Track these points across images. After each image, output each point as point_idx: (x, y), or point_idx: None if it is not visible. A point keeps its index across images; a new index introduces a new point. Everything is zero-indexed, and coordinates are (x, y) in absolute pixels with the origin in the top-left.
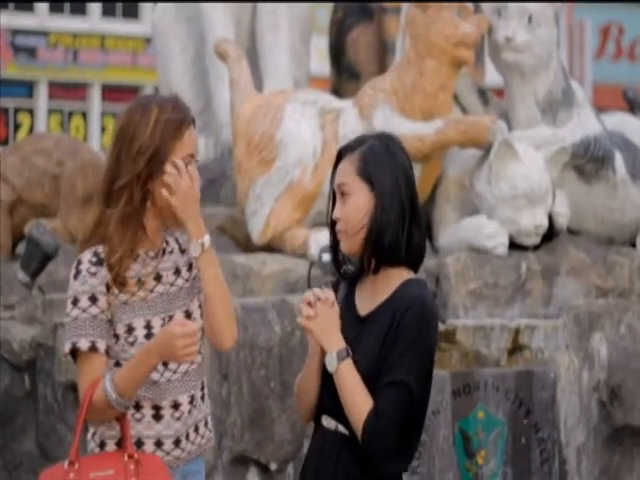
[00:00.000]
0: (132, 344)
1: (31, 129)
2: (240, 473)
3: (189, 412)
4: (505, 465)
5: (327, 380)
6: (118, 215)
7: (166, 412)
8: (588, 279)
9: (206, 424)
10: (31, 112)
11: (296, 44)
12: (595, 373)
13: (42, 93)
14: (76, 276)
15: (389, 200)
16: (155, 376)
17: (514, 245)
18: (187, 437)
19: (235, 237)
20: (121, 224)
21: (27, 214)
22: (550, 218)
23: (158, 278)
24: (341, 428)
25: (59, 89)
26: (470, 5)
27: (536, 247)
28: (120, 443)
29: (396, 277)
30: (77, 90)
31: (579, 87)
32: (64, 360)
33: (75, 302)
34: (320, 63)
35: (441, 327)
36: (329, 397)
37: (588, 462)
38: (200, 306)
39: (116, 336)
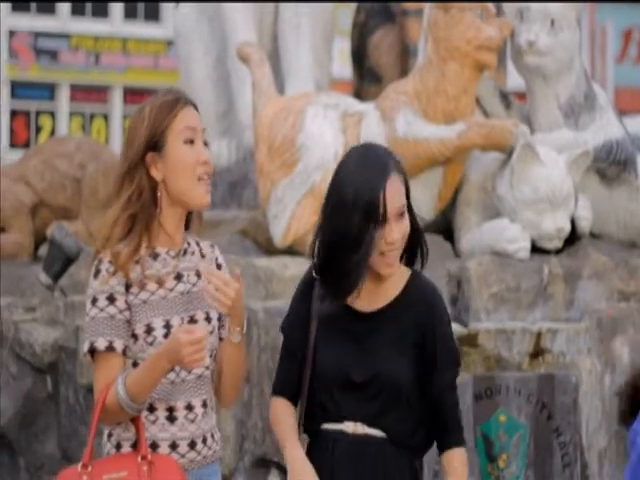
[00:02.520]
0: (151, 344)
1: (52, 132)
2: (261, 476)
3: (203, 415)
4: (527, 469)
5: (345, 386)
6: (129, 213)
7: (180, 414)
8: (610, 283)
9: (214, 434)
10: (52, 115)
11: (318, 47)
12: (617, 377)
13: (64, 96)
14: (96, 275)
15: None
16: (171, 376)
17: (536, 249)
18: (204, 441)
19: (257, 240)
20: (130, 222)
21: (49, 217)
22: (572, 222)
23: (179, 277)
24: (374, 432)
25: (81, 92)
26: (492, 6)
27: (558, 251)
28: (136, 445)
29: (399, 272)
30: (99, 93)
31: (601, 90)
32: (86, 362)
33: (94, 301)
34: (342, 66)
35: (463, 330)
36: (351, 403)
37: (610, 466)
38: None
39: (135, 336)
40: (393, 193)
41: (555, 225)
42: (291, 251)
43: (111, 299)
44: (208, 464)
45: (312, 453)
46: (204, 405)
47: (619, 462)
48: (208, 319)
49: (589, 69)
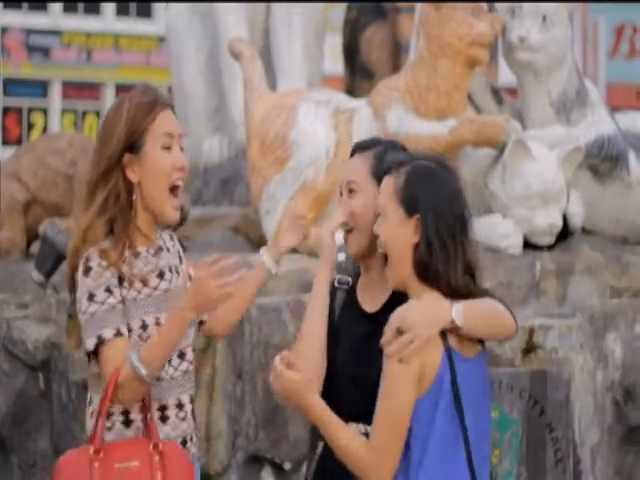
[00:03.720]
0: (145, 340)
1: (45, 129)
2: (254, 472)
3: (191, 412)
4: (519, 465)
5: (346, 386)
6: (107, 216)
7: (171, 412)
8: (602, 279)
9: (196, 432)
10: (45, 112)
11: (310, 43)
12: (609, 373)
13: (56, 93)
14: (87, 273)
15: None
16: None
17: (528, 244)
18: (191, 439)
19: (249, 237)
20: (108, 225)
21: (41, 214)
22: (564, 218)
23: (161, 275)
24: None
25: (73, 89)
26: (484, 5)
27: (550, 247)
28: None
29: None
30: (91, 90)
31: (593, 86)
32: (78, 359)
33: (91, 297)
34: (334, 62)
35: None
36: (355, 405)
37: (602, 462)
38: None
39: (129, 330)
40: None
41: (547, 221)
42: None
43: (109, 291)
44: (194, 462)
45: (326, 457)
46: (191, 401)
47: (611, 457)
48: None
49: (581, 65)
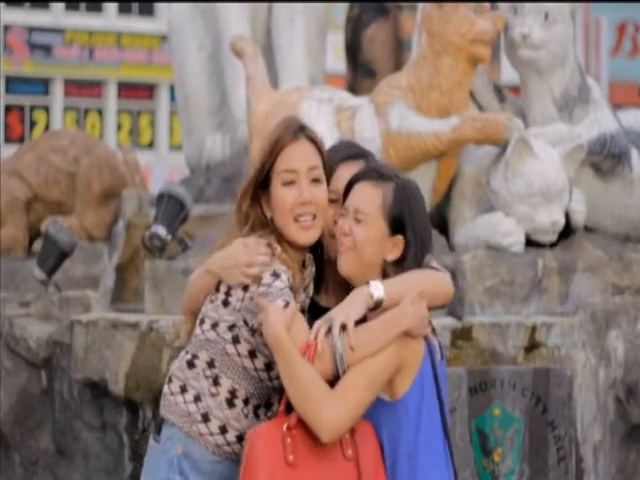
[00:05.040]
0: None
1: (47, 127)
2: None
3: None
4: (522, 462)
5: None
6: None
7: (260, 411)
8: (605, 276)
9: None
10: (47, 110)
11: (312, 41)
12: (611, 371)
13: (58, 91)
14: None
15: None
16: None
17: (530, 242)
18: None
19: None
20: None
21: (43, 212)
22: (567, 215)
23: (302, 311)
24: None
25: (75, 87)
26: (486, 4)
27: (553, 244)
28: (241, 437)
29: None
30: (93, 87)
31: (595, 84)
32: (80, 357)
33: (276, 275)
34: (336, 60)
35: (458, 324)
36: None
37: (605, 460)
38: None
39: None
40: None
41: (549, 219)
42: None
43: (289, 280)
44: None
45: None
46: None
47: (614, 455)
48: None
49: (583, 63)
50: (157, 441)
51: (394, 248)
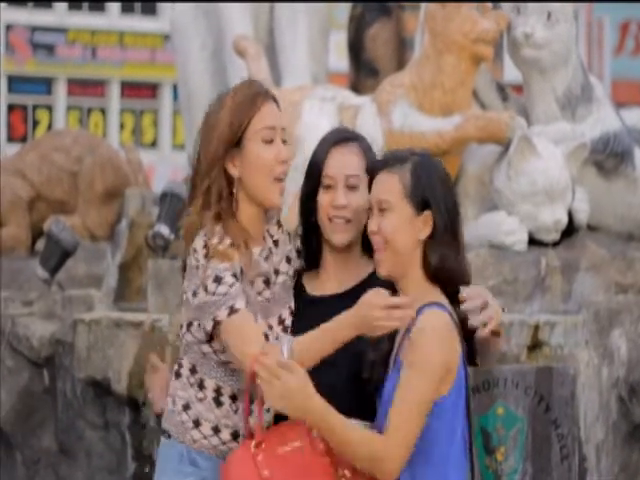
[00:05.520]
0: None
1: (50, 126)
2: None
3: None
4: (525, 461)
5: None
6: (212, 214)
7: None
8: (608, 275)
9: None
10: (50, 109)
11: (314, 40)
12: (614, 369)
13: (61, 90)
14: (211, 257)
15: None
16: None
17: (533, 241)
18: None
19: None
20: (216, 221)
21: (46, 211)
22: (570, 214)
23: (267, 282)
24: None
25: (78, 86)
26: (489, 4)
27: (556, 243)
28: (235, 434)
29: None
30: (96, 87)
31: (598, 83)
32: (83, 356)
33: (218, 280)
34: (339, 59)
35: None
36: (320, 393)
37: (607, 459)
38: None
39: None
40: (338, 160)
41: (552, 217)
42: None
43: (235, 276)
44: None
45: None
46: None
47: (616, 454)
48: (283, 323)
49: (586, 62)
50: (166, 437)
51: (425, 226)
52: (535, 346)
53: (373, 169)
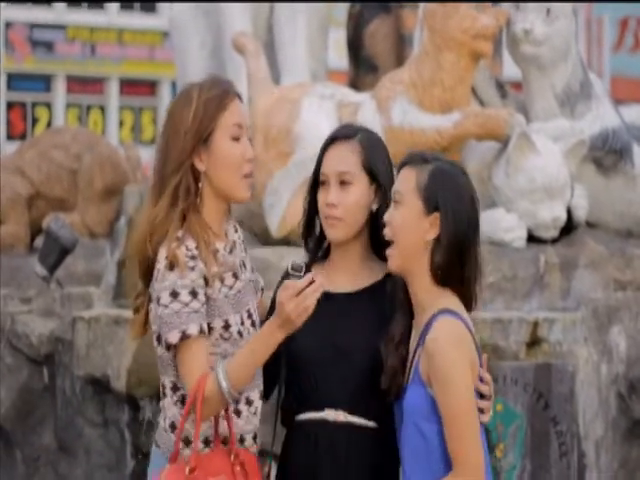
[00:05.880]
0: (227, 339)
1: (49, 123)
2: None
3: (261, 407)
4: (524, 458)
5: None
6: (180, 209)
7: (243, 407)
8: (606, 272)
9: None
10: (49, 106)
11: (314, 37)
12: (613, 366)
13: (60, 87)
14: (171, 268)
15: None
16: None
17: (532, 238)
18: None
19: (253, 230)
20: (182, 218)
21: (45, 208)
22: (568, 211)
23: (235, 275)
24: (360, 421)
25: (77, 83)
26: (489, 4)
27: (554, 240)
28: (207, 441)
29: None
30: (95, 84)
31: (597, 80)
32: (82, 354)
33: (175, 295)
34: (338, 56)
35: None
36: (334, 388)
37: (607, 455)
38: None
39: (210, 329)
40: (333, 157)
41: (551, 214)
42: (287, 241)
43: (193, 294)
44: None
45: (291, 447)
46: (260, 396)
47: (615, 451)
48: (251, 317)
49: (585, 58)
50: (157, 446)
51: (432, 227)
52: (534, 343)
53: (400, 166)
